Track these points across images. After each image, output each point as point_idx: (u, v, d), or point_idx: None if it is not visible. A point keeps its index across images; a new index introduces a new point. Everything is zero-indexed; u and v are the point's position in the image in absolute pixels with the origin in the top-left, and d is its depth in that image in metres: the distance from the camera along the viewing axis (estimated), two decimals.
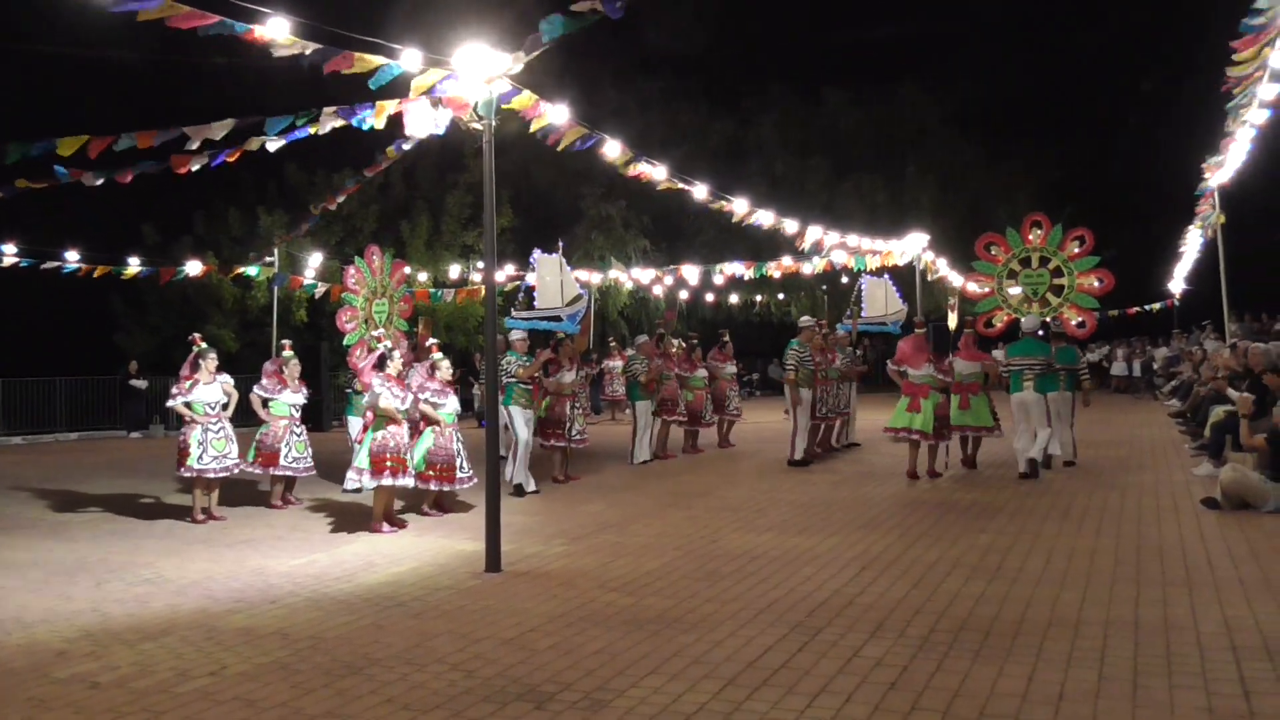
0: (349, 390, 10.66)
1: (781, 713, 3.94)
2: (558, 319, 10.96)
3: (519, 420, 10.13)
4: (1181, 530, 7.45)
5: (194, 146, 7.67)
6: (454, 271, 22.94)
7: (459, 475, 8.53)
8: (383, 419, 8.19)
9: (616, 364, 19.41)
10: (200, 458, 8.68)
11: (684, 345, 14.22)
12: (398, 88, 7.27)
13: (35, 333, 27.16)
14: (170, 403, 9.22)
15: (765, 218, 13.41)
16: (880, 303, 14.71)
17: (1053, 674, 4.30)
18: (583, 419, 11.38)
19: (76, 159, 7.69)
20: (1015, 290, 11.80)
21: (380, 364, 8.38)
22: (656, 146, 23.75)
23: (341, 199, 17.10)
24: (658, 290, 24.10)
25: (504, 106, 7.40)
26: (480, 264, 20.60)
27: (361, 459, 8.14)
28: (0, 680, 4.50)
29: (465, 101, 7.00)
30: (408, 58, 6.88)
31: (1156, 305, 28.78)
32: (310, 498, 9.88)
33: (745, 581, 6.11)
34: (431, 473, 8.41)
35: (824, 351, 12.56)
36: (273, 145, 8.37)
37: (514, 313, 11.19)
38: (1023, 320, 11.20)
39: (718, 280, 20.04)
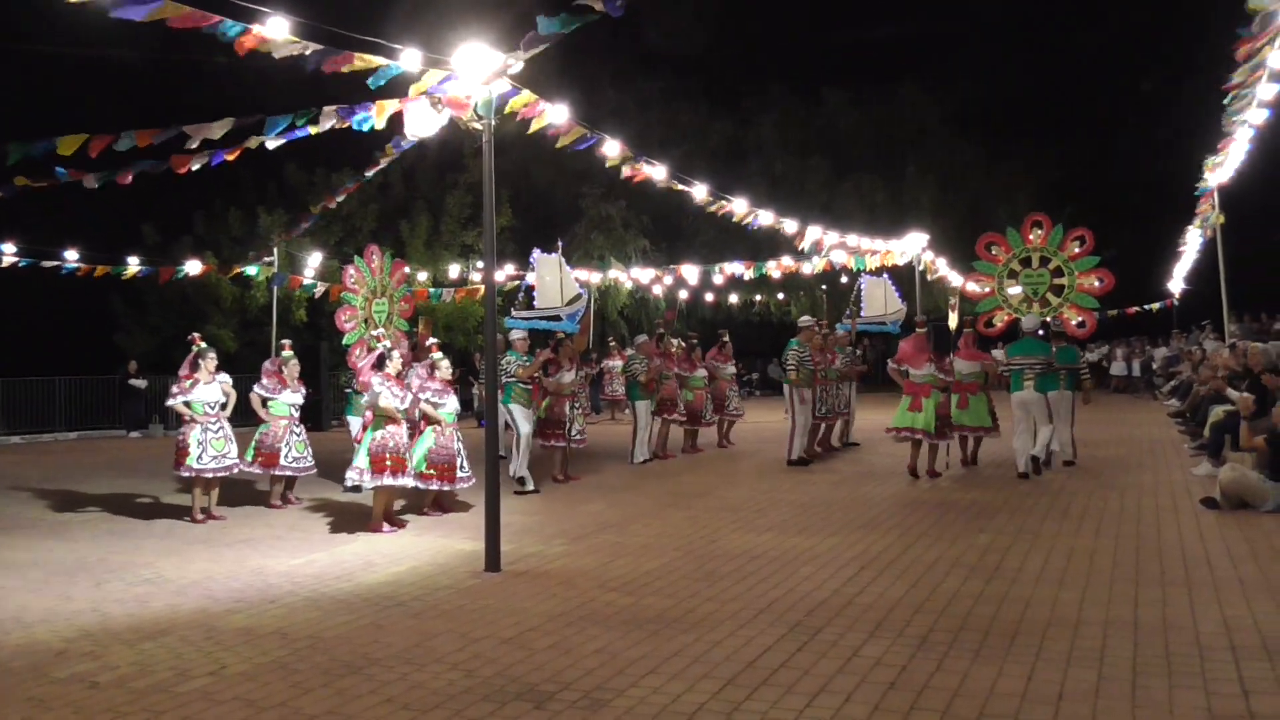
0: (349, 390, 10.66)
1: (781, 712, 3.95)
2: (557, 318, 10.97)
3: (520, 415, 10.17)
4: (1181, 530, 7.45)
5: (193, 146, 7.67)
6: (453, 271, 22.94)
7: (459, 475, 8.54)
8: (382, 419, 8.19)
9: (616, 364, 19.41)
10: (200, 457, 8.68)
11: (683, 345, 14.23)
12: (398, 87, 7.27)
13: (35, 332, 27.18)
14: (170, 402, 9.22)
15: (765, 218, 13.41)
16: (879, 302, 14.72)
17: (1052, 674, 4.30)
18: (582, 419, 11.39)
19: (77, 159, 7.69)
20: (1015, 290, 11.82)
21: (379, 364, 8.38)
22: (656, 146, 23.77)
23: (341, 198, 17.11)
24: (657, 290, 24.10)
25: (506, 109, 7.42)
26: (480, 264, 20.59)
27: (361, 459, 8.15)
28: (0, 680, 4.50)
29: (465, 101, 7.00)
30: (407, 58, 6.88)
31: (1156, 305, 28.80)
32: (310, 497, 9.88)
33: (745, 581, 6.11)
34: (433, 472, 8.41)
35: (823, 351, 12.57)
36: (272, 144, 8.38)
37: (514, 312, 11.20)
38: (1023, 320, 11.22)
39: (717, 280, 20.06)
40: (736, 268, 18.38)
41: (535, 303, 11.03)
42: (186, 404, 8.79)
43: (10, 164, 7.70)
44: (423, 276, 22.84)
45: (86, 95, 27.25)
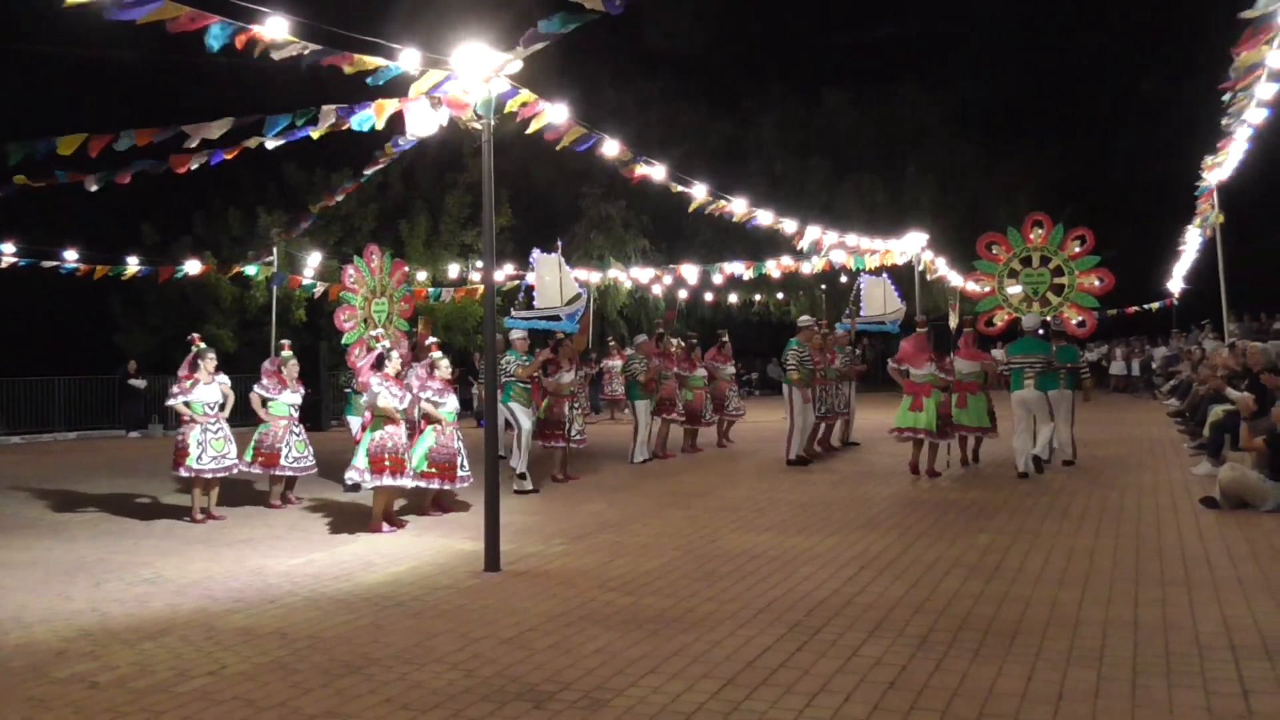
0: (348, 390, 10.66)
1: (780, 712, 3.94)
2: (557, 318, 10.98)
3: (521, 413, 10.19)
4: (1180, 530, 7.45)
5: (193, 145, 7.67)
6: (453, 271, 22.94)
7: (459, 474, 8.54)
8: (381, 419, 8.19)
9: (616, 363, 19.41)
10: (199, 458, 8.68)
11: (683, 345, 14.23)
12: (397, 87, 7.27)
13: (34, 332, 27.18)
14: (169, 402, 9.23)
15: (765, 217, 13.41)
16: (879, 302, 14.73)
17: (1052, 673, 4.30)
18: (582, 419, 11.38)
19: (76, 158, 7.69)
20: (1016, 289, 11.83)
21: (378, 363, 8.38)
22: (656, 146, 23.75)
23: (340, 198, 17.10)
24: (657, 290, 24.09)
25: (506, 109, 7.41)
26: (479, 263, 20.56)
27: (360, 459, 8.15)
28: (0, 680, 4.51)
29: (465, 101, 7.00)
30: (407, 58, 6.88)
31: (1156, 305, 28.82)
32: (310, 497, 9.88)
33: (744, 581, 6.11)
34: (434, 471, 8.41)
35: (823, 351, 12.57)
36: (271, 144, 8.37)
37: (513, 312, 11.20)
38: (1023, 319, 11.23)
39: (717, 280, 20.06)
40: (736, 267, 18.39)
41: (535, 302, 11.03)
42: (186, 404, 8.79)
43: (11, 164, 7.70)
44: (422, 276, 22.84)
45: (86, 95, 27.27)
